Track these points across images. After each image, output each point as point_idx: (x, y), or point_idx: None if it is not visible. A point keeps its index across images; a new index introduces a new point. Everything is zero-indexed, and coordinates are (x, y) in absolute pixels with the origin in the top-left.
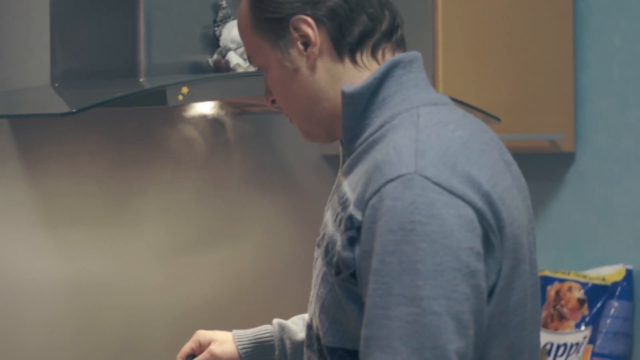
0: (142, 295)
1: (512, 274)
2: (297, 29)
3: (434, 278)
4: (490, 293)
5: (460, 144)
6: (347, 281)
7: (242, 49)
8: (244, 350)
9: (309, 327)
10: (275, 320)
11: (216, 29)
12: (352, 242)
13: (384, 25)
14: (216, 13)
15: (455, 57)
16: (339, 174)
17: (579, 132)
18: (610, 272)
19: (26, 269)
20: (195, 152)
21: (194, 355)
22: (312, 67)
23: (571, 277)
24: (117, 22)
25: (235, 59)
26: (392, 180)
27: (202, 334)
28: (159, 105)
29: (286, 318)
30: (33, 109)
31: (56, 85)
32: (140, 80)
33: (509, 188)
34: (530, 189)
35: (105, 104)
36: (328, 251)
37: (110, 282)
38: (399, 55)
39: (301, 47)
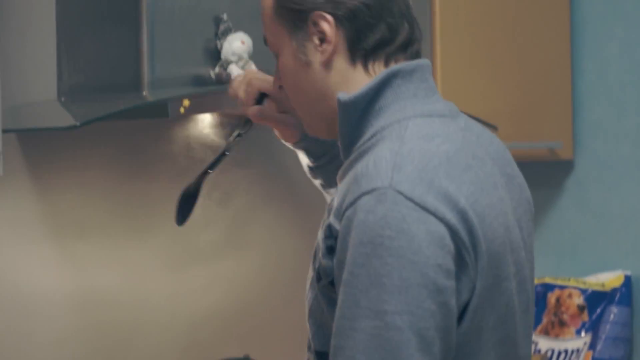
0: (150, 306)
1: (491, 293)
2: (315, 24)
3: (399, 293)
4: (464, 310)
5: (444, 158)
6: (327, 288)
7: (243, 62)
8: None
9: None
10: None
11: (217, 42)
12: (330, 250)
13: (402, 37)
14: (217, 26)
15: (454, 66)
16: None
17: (577, 139)
18: (609, 278)
19: (35, 281)
20: (200, 162)
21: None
22: (325, 64)
23: (571, 283)
24: (121, 36)
25: (236, 71)
26: (367, 193)
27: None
28: (161, 117)
29: (296, 326)
30: (39, 123)
31: (62, 99)
32: (144, 93)
33: (494, 204)
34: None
35: (108, 117)
36: (315, 257)
37: (118, 294)
38: (399, 65)
39: (317, 42)
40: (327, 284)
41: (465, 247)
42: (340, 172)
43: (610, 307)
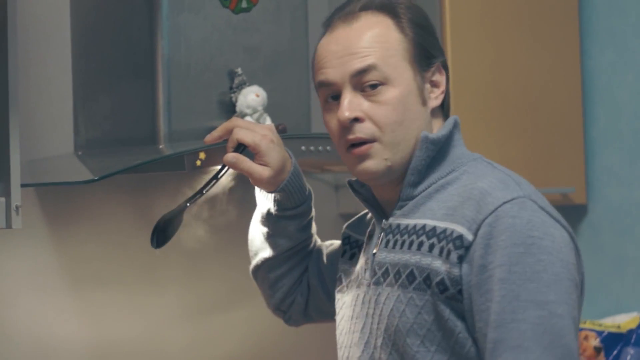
0: (167, 355)
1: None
2: (434, 72)
3: (555, 285)
4: None
5: (531, 185)
6: (451, 298)
7: (257, 114)
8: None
9: None
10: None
11: (232, 95)
12: (460, 260)
13: None
14: (232, 80)
15: (466, 114)
16: (388, 219)
17: (590, 185)
18: (625, 320)
19: (53, 332)
20: (215, 213)
21: (244, 147)
22: (432, 110)
23: (587, 326)
24: (137, 91)
25: None
26: (507, 201)
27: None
28: (177, 170)
29: None
30: (57, 177)
31: (79, 153)
32: (160, 146)
33: None
34: None
35: (125, 171)
36: (414, 277)
37: (136, 344)
38: (454, 117)
39: (429, 87)
40: (455, 292)
41: (578, 255)
42: (407, 208)
43: (626, 349)
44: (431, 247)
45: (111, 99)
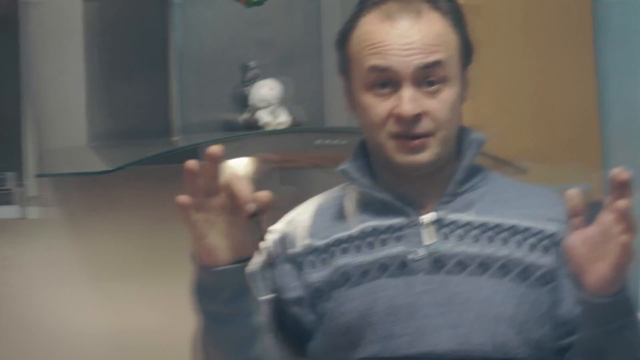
0: (184, 348)
1: None
2: (466, 73)
3: None
4: None
5: None
6: (554, 289)
7: (271, 107)
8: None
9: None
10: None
11: (245, 88)
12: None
13: None
14: (245, 73)
15: (482, 110)
16: (420, 212)
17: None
18: None
19: (72, 323)
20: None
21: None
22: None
23: None
24: (150, 83)
25: (264, 117)
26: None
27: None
28: None
29: None
30: (73, 168)
31: (93, 144)
32: (174, 139)
33: None
34: None
35: (140, 163)
36: (508, 269)
37: (155, 335)
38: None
39: (462, 87)
40: (555, 283)
41: None
42: (460, 202)
43: None
44: (518, 243)
45: (125, 90)
